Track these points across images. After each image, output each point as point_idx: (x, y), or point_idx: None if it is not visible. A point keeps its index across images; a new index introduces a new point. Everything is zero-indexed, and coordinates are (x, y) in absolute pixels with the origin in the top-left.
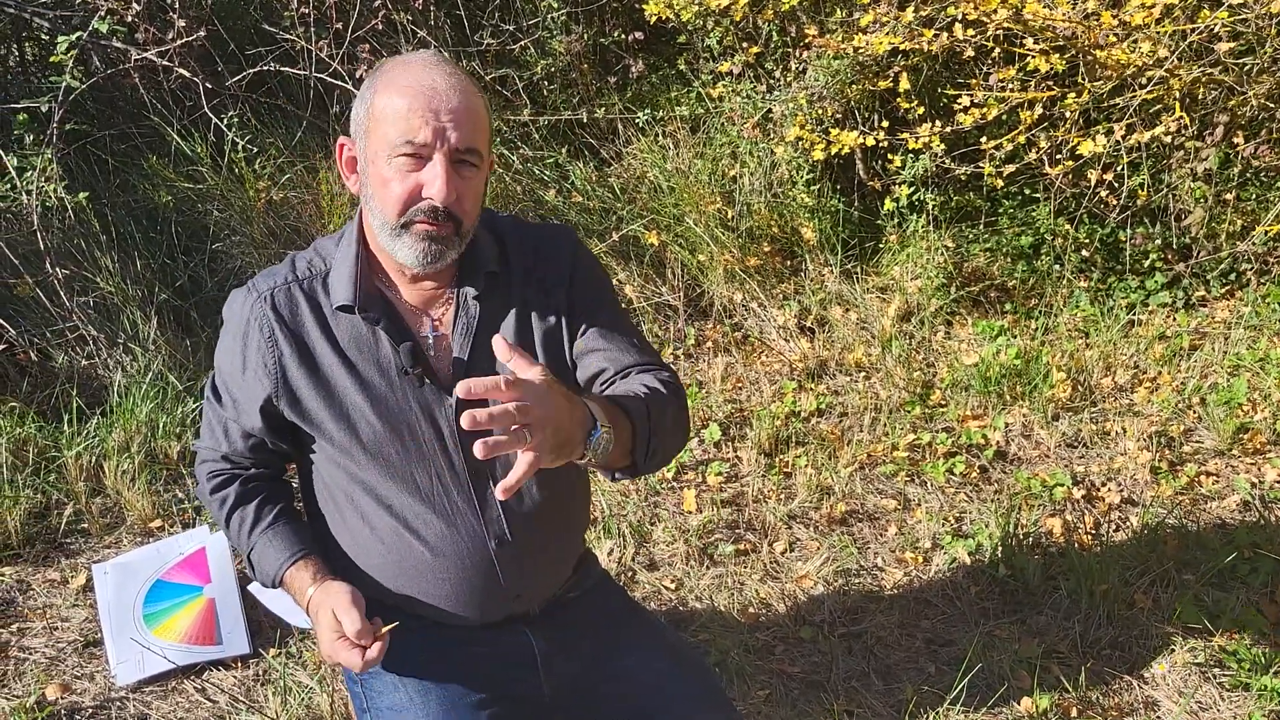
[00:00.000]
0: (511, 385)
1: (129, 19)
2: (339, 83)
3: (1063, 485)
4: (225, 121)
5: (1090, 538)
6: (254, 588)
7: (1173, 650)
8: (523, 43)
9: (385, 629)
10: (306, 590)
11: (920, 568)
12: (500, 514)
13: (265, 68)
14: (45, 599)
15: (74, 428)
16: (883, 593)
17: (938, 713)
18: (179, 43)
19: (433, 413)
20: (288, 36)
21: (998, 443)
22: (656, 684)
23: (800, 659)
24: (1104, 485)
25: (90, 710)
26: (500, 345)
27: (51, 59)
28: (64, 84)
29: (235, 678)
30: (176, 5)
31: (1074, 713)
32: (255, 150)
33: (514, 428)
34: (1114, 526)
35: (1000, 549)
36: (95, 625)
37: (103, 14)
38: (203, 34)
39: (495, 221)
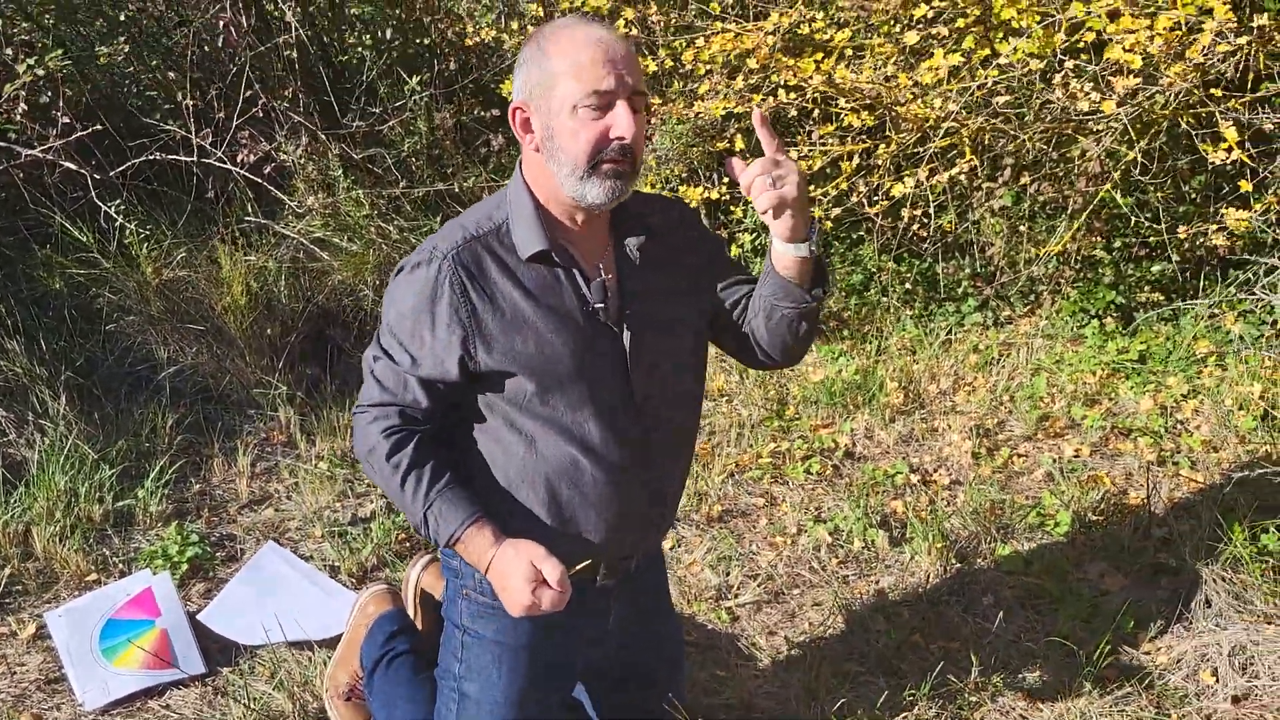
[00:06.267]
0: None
1: (15, 118)
2: (221, 165)
3: (902, 473)
4: (114, 209)
5: (927, 513)
6: (204, 616)
7: (999, 590)
8: (390, 124)
9: (579, 568)
10: (488, 550)
11: (789, 548)
12: (660, 441)
13: (149, 157)
14: None
15: None
16: (758, 571)
17: (799, 645)
18: (62, 141)
19: (612, 345)
20: (166, 128)
21: (846, 445)
22: (659, 647)
23: (694, 629)
24: (935, 471)
25: None
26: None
27: None
28: None
29: (196, 693)
30: (60, 103)
31: (919, 640)
32: (144, 234)
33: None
34: (945, 502)
35: (854, 528)
36: (53, 665)
37: None
38: (99, 127)
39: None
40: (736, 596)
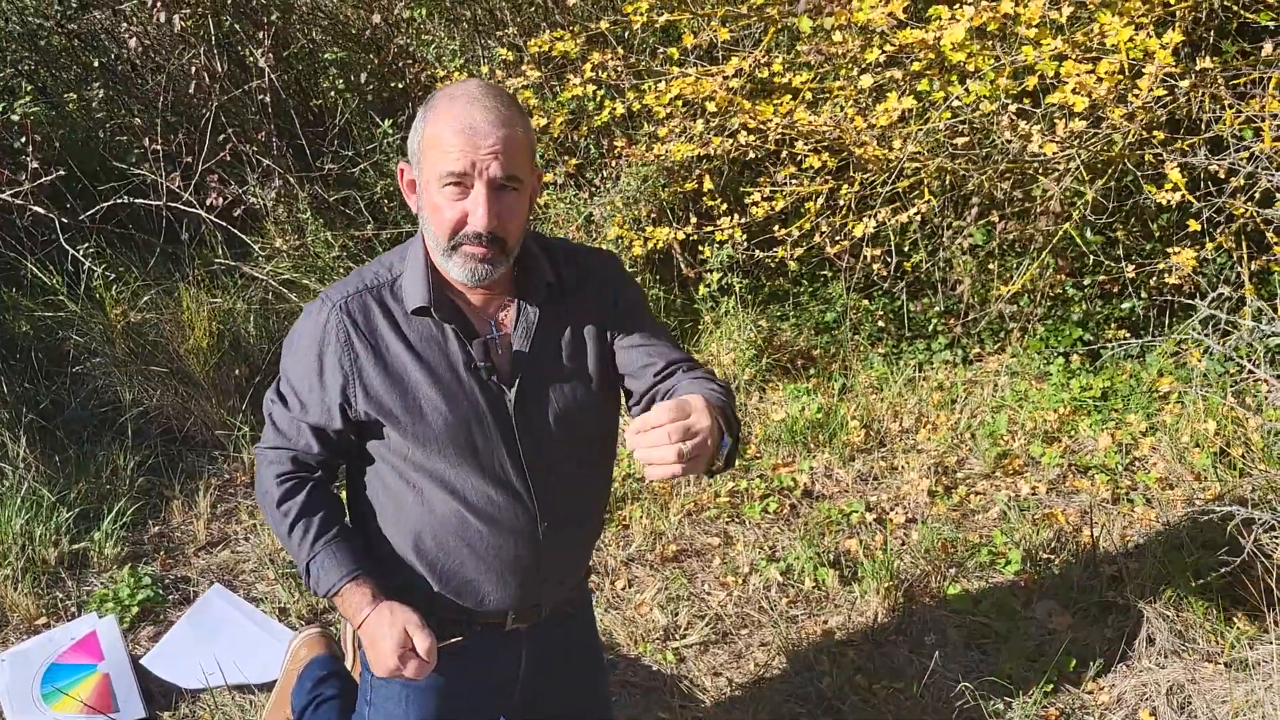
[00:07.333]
0: (677, 407)
1: None
2: (189, 209)
3: (858, 512)
4: (82, 252)
5: (880, 551)
6: (147, 659)
7: (945, 629)
8: (362, 166)
9: (447, 643)
10: (363, 608)
11: (740, 588)
12: (552, 499)
13: (118, 201)
14: None
15: None
16: (708, 611)
17: (743, 686)
18: (32, 184)
19: (496, 404)
20: (138, 171)
21: (805, 484)
22: (579, 705)
23: (639, 670)
24: (892, 509)
25: None
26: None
27: None
28: None
29: None
30: (30, 148)
31: (862, 681)
32: (112, 277)
33: (678, 443)
34: (900, 541)
35: (805, 567)
36: None
37: None
38: (61, 172)
39: (546, 241)
40: (684, 637)
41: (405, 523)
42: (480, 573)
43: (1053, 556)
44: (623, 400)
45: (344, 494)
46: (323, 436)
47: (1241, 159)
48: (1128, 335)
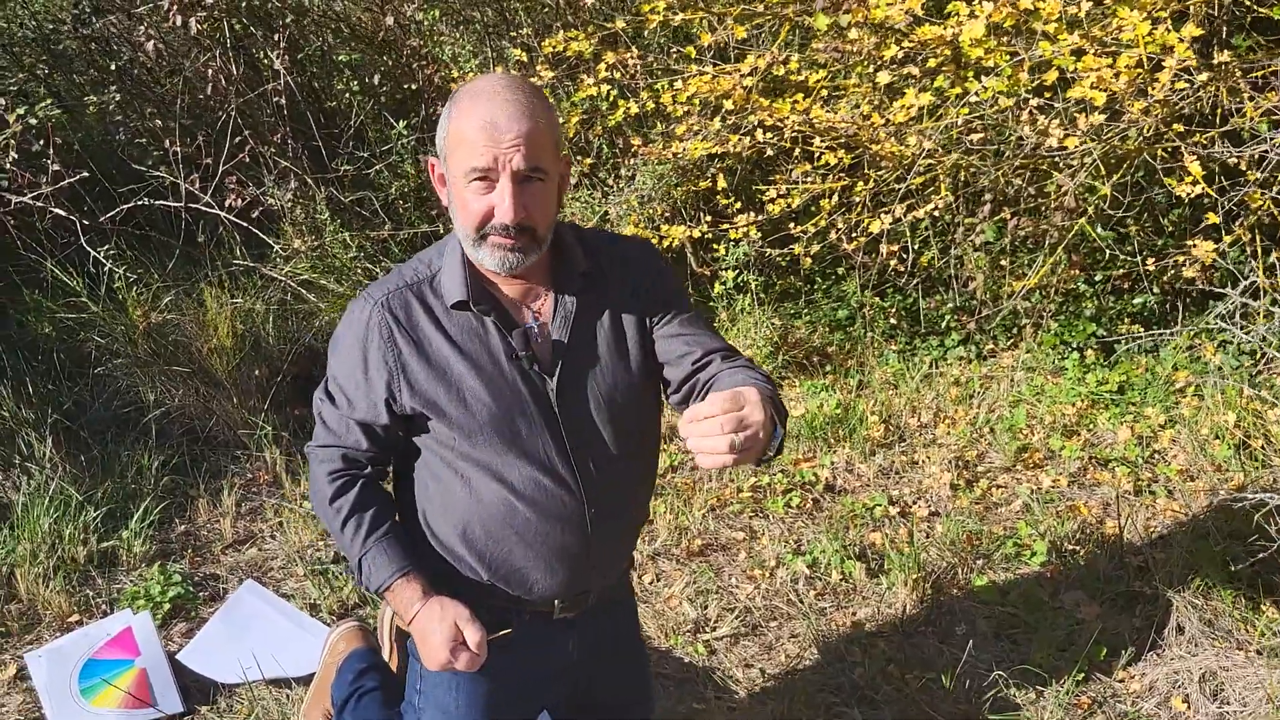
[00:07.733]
0: (732, 399)
1: (5, 166)
2: (209, 210)
3: (880, 506)
4: (103, 254)
5: (905, 544)
6: (183, 655)
7: (974, 620)
8: (377, 167)
9: (498, 635)
10: (414, 604)
11: (767, 581)
12: (598, 486)
13: (139, 203)
14: None
15: None
16: (736, 604)
17: (775, 678)
18: (53, 188)
19: (538, 394)
20: (157, 174)
21: (826, 478)
22: (624, 692)
23: (671, 662)
24: (914, 503)
25: None
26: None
27: None
28: None
29: None
30: (51, 151)
31: (894, 671)
32: (133, 278)
33: (731, 434)
34: (924, 534)
35: (832, 560)
36: (33, 706)
37: None
38: (84, 174)
39: (581, 232)
40: (714, 630)
41: (454, 512)
42: (529, 560)
43: (1078, 548)
44: (661, 389)
45: (392, 488)
46: (370, 432)
47: (1275, 144)
48: (1141, 330)
